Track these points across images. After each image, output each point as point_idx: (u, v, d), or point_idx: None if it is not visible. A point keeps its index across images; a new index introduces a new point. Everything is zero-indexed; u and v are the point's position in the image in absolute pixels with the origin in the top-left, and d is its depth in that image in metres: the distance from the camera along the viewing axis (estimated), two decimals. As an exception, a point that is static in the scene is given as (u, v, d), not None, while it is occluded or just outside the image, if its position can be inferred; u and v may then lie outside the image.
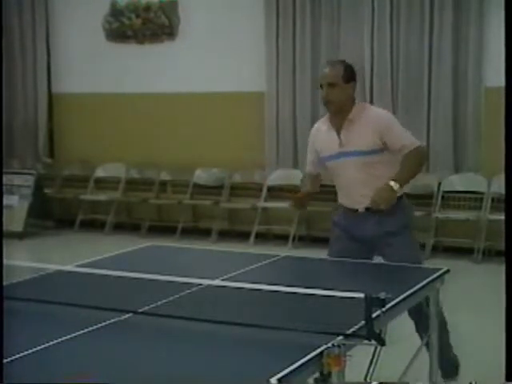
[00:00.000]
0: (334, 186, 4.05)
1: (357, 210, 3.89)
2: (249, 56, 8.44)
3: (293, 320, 2.61)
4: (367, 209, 3.82)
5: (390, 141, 3.79)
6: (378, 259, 3.98)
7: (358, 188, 3.84)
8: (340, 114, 3.85)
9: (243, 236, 8.27)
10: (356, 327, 2.49)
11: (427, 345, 3.59)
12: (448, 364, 3.98)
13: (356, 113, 3.84)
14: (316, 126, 4.07)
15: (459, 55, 7.58)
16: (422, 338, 3.80)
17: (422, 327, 3.77)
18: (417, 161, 3.82)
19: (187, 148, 8.84)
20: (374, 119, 3.83)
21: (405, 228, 3.89)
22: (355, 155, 3.82)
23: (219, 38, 8.56)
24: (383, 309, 2.48)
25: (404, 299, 2.97)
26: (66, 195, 9.35)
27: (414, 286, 3.15)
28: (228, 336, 2.52)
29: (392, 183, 3.65)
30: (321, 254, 4.25)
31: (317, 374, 2.33)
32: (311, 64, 8.15)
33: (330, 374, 2.31)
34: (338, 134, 3.87)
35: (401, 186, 3.68)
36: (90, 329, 2.58)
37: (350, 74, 3.87)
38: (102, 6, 9.10)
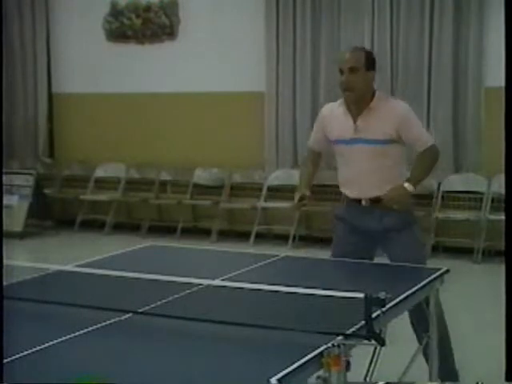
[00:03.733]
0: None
1: (360, 202, 3.83)
2: (249, 56, 8.44)
3: (293, 320, 2.61)
4: (371, 201, 3.79)
5: (406, 134, 3.75)
6: (380, 258, 3.95)
7: (366, 176, 3.78)
8: (359, 102, 3.78)
9: (243, 236, 8.27)
10: (356, 327, 2.49)
11: (425, 348, 3.57)
12: (447, 374, 3.89)
13: (377, 101, 3.78)
14: (329, 106, 3.99)
15: (459, 55, 7.58)
16: (420, 340, 3.76)
17: (421, 328, 3.73)
18: (431, 161, 3.81)
19: (187, 148, 8.85)
20: (394, 110, 3.78)
21: (409, 224, 3.83)
22: (370, 143, 3.75)
23: (219, 37, 8.56)
24: (383, 309, 2.48)
25: (404, 299, 2.97)
26: (66, 195, 9.35)
27: (414, 285, 3.15)
28: (228, 336, 2.52)
29: (406, 185, 3.66)
30: (321, 254, 4.27)
31: (320, 372, 2.33)
32: (311, 64, 8.15)
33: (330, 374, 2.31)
34: (355, 119, 3.79)
35: (414, 186, 3.68)
36: (90, 329, 2.58)
37: (371, 62, 3.81)
38: (102, 7, 9.10)
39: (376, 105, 3.78)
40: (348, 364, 2.36)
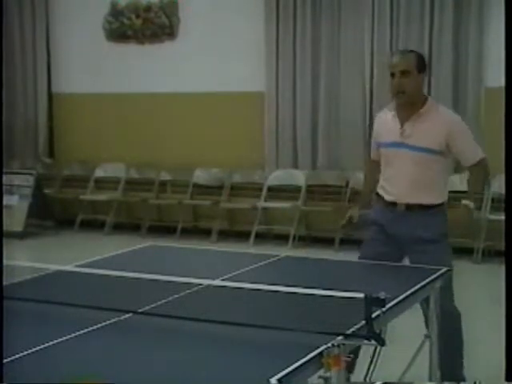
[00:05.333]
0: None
1: (395, 205, 3.80)
2: (249, 56, 8.44)
3: (293, 320, 2.61)
4: (407, 207, 3.77)
5: (453, 145, 3.73)
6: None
7: (406, 181, 3.76)
8: (410, 106, 3.75)
9: (243, 236, 8.27)
10: (356, 327, 2.49)
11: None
12: (450, 374, 3.89)
13: (428, 108, 3.75)
14: (381, 112, 4.01)
15: (459, 55, 7.58)
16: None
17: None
18: (483, 176, 3.92)
19: (187, 148, 8.85)
20: (444, 119, 3.75)
21: (443, 236, 3.80)
22: (415, 150, 3.73)
23: (219, 37, 8.56)
24: (383, 309, 2.48)
25: (404, 299, 2.98)
26: (66, 195, 9.35)
27: (414, 285, 3.15)
28: (228, 336, 2.52)
29: (468, 203, 3.80)
30: (321, 254, 4.27)
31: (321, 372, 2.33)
32: (311, 64, 8.15)
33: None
34: (402, 124, 3.77)
35: (472, 202, 3.81)
36: (90, 329, 2.57)
37: (422, 64, 3.78)
38: (102, 6, 9.11)
39: (426, 111, 3.75)
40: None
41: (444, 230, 3.82)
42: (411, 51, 3.94)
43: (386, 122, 3.87)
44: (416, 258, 3.76)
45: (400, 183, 3.79)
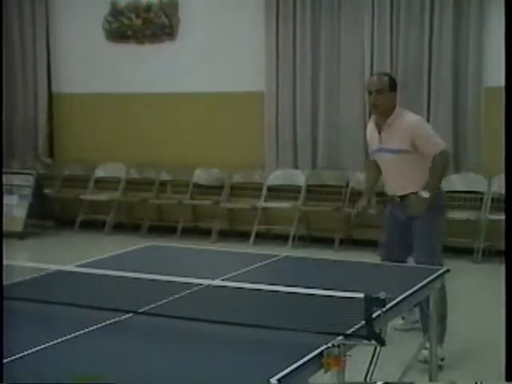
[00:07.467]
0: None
1: (394, 196, 4.56)
2: (248, 56, 8.44)
3: (293, 320, 2.61)
4: (400, 198, 4.50)
5: (420, 145, 4.42)
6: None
7: (392, 179, 4.58)
8: (383, 117, 4.51)
9: (243, 236, 8.27)
10: (356, 327, 2.49)
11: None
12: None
13: (393, 118, 4.48)
14: (368, 124, 4.80)
15: (459, 55, 7.58)
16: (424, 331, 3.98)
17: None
18: (441, 167, 4.47)
19: (187, 148, 8.84)
20: (406, 125, 4.45)
21: (430, 218, 4.44)
22: (389, 152, 4.50)
23: (219, 37, 8.56)
24: (383, 309, 2.48)
25: (404, 299, 2.98)
26: (66, 195, 9.35)
27: (414, 285, 3.16)
28: (228, 336, 2.52)
29: (423, 193, 4.34)
30: (321, 254, 4.27)
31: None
32: (311, 64, 8.15)
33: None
34: (380, 132, 4.54)
35: (430, 192, 4.36)
36: (90, 329, 2.58)
37: (393, 84, 4.57)
38: (102, 6, 9.10)
39: (393, 120, 4.49)
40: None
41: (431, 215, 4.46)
42: (386, 73, 4.91)
43: (371, 132, 4.67)
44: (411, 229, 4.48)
45: (389, 181, 4.64)
